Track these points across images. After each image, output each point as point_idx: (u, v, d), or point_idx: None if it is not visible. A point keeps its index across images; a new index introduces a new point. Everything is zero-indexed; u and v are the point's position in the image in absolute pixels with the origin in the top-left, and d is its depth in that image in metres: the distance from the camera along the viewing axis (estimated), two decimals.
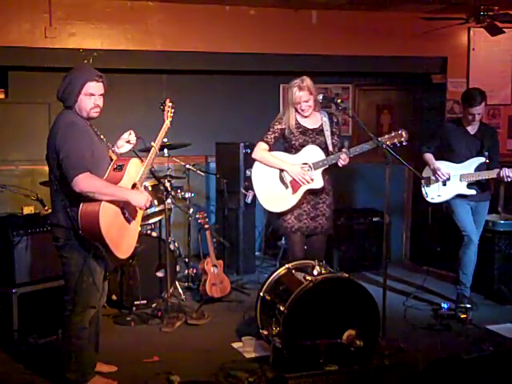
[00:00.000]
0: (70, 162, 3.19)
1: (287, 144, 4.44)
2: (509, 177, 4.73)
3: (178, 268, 5.36)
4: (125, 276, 4.95)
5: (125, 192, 3.32)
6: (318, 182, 4.32)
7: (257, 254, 6.60)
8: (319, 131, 4.39)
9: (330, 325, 3.74)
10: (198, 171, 5.69)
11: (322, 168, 4.31)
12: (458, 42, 6.93)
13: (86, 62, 5.77)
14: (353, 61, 6.72)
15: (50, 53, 5.74)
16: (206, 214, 5.38)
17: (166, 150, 5.40)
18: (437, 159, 5.01)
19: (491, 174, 4.81)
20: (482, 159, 4.90)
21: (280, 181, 4.36)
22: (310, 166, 4.31)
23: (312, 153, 4.34)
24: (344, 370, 3.62)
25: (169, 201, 5.20)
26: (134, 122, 6.51)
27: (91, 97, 3.36)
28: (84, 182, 3.17)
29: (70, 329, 3.45)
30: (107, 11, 5.86)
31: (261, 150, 4.40)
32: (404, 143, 4.21)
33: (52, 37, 5.70)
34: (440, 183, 4.95)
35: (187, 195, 5.57)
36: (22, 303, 4.27)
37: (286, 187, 4.33)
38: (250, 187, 4.53)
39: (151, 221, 5.43)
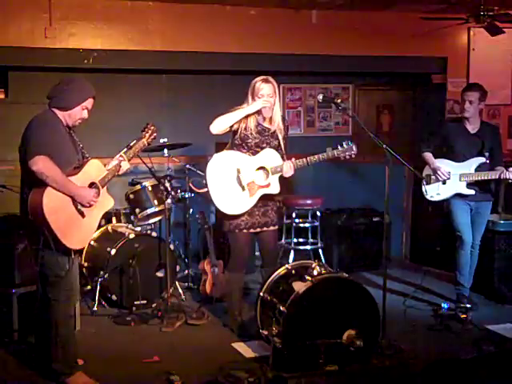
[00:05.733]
0: (34, 143, 3.30)
1: (239, 140, 4.34)
2: (510, 179, 4.73)
3: (177, 268, 5.36)
4: (125, 276, 4.96)
5: (72, 186, 3.35)
6: (274, 188, 4.33)
7: (257, 253, 6.58)
8: (273, 133, 4.37)
9: (330, 325, 3.74)
10: (198, 171, 5.68)
11: (280, 174, 4.30)
12: (458, 41, 6.94)
13: (85, 61, 5.77)
14: (353, 61, 6.72)
15: (50, 53, 5.73)
16: (205, 214, 5.38)
17: (166, 150, 5.41)
18: (437, 158, 5.01)
19: (493, 175, 4.81)
20: (482, 159, 4.89)
21: (237, 182, 4.27)
22: (266, 172, 4.28)
23: (270, 156, 4.32)
24: (344, 370, 3.62)
25: (169, 201, 5.19)
26: (133, 122, 6.55)
27: (85, 110, 3.53)
28: (42, 163, 3.23)
29: (56, 318, 3.47)
30: (107, 11, 5.86)
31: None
32: (353, 156, 4.26)
33: (52, 37, 5.69)
34: (440, 182, 4.95)
35: (187, 195, 5.58)
36: (22, 303, 4.26)
37: (243, 189, 4.26)
38: (204, 184, 4.38)
39: (151, 221, 5.43)
